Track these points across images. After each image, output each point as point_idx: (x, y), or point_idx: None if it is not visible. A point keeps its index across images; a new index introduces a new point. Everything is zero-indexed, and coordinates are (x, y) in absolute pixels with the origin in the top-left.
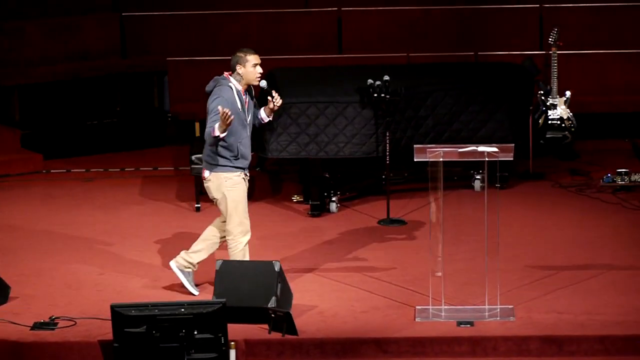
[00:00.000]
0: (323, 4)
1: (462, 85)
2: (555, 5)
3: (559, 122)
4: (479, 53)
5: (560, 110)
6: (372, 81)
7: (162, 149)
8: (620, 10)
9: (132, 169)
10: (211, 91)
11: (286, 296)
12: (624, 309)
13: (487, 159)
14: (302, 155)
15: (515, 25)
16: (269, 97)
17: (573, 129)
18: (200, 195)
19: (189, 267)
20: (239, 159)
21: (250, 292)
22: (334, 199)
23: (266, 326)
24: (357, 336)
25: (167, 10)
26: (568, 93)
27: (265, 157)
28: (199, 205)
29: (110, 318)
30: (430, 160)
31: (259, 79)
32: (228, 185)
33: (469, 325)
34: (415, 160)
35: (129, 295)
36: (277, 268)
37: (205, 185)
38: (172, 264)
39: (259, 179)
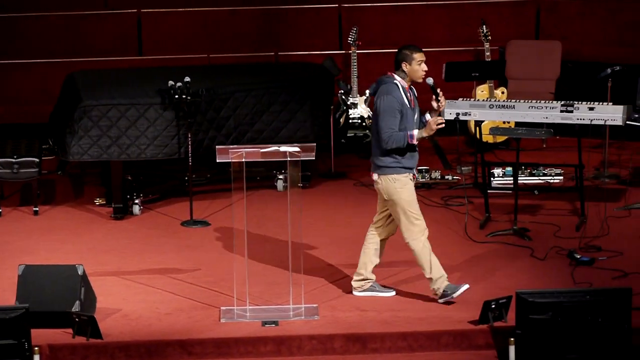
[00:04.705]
0: (123, 5)
1: (263, 85)
2: (354, 5)
3: (359, 121)
4: (280, 53)
5: (360, 109)
6: (173, 83)
7: None
8: (419, 9)
9: None
10: (374, 92)
11: (90, 300)
12: (427, 305)
13: (289, 159)
14: (103, 158)
15: (315, 25)
16: (434, 97)
17: None
18: (1, 199)
19: (368, 281)
20: (407, 158)
21: (53, 296)
22: (136, 201)
23: (70, 330)
24: (162, 338)
25: None
26: (368, 92)
27: (67, 161)
28: (0, 211)
29: None
30: (233, 161)
31: (424, 76)
32: (397, 187)
33: (273, 325)
34: (217, 161)
35: None
36: (80, 272)
37: (375, 187)
38: (355, 293)
39: (60, 182)
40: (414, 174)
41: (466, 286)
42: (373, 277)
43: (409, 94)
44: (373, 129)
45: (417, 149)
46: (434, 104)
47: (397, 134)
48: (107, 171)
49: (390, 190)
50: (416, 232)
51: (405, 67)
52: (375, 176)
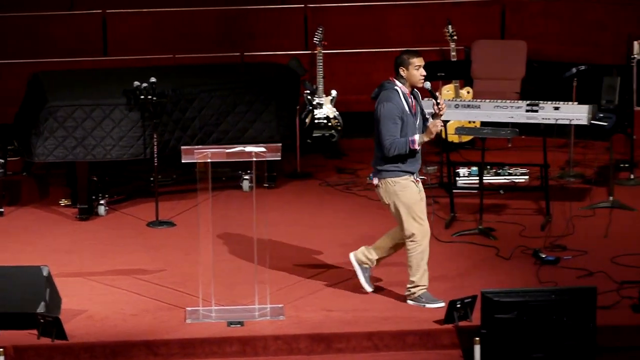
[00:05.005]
0: (88, 6)
1: (229, 86)
2: (320, 5)
3: (325, 121)
4: (245, 54)
5: (326, 109)
6: (138, 83)
7: None
8: (385, 9)
9: None
10: (376, 97)
11: (55, 301)
12: (392, 304)
13: (254, 159)
14: (69, 159)
15: (281, 26)
16: (434, 102)
17: (339, 128)
18: None
19: (367, 264)
20: (407, 162)
21: (18, 297)
22: (102, 202)
23: (35, 332)
24: (128, 339)
25: None
26: (334, 92)
27: (32, 162)
28: None
29: None
30: (198, 161)
31: (423, 80)
32: (398, 189)
33: (239, 325)
34: (183, 161)
35: None
36: (45, 273)
37: (376, 192)
38: (352, 256)
39: (25, 183)
40: (415, 178)
41: (442, 304)
42: (374, 263)
43: (410, 100)
44: (375, 136)
45: (418, 153)
46: (435, 109)
47: (399, 140)
48: (72, 172)
49: (390, 193)
50: (418, 234)
51: (402, 72)
52: (375, 181)
